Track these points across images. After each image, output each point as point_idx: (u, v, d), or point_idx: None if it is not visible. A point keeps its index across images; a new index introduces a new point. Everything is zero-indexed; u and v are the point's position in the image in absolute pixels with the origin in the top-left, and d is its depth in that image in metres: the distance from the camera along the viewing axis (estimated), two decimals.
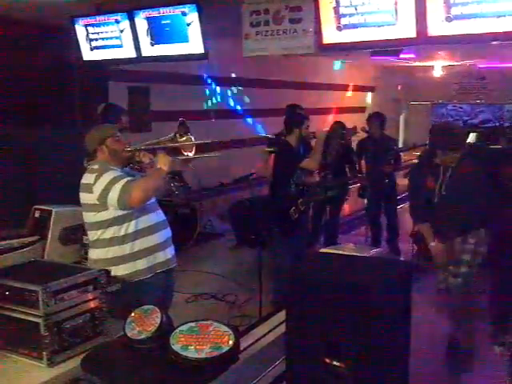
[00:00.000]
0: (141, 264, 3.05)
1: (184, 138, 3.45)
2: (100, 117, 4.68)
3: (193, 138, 3.47)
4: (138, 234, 3.04)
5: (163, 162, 3.09)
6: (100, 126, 3.33)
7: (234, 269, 5.89)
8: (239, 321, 4.46)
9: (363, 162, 6.46)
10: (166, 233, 3.24)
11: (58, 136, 5.93)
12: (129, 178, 2.98)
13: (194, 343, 2.27)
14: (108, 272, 2.67)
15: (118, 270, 2.94)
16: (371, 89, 15.65)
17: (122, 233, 3.01)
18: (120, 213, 2.97)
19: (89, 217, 3.07)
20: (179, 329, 2.36)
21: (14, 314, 2.40)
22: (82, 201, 3.08)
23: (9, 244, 3.88)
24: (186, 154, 3.41)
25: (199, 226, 6.83)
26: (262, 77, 10.37)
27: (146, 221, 3.08)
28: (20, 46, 5.95)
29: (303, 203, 4.76)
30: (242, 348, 2.48)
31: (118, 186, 2.90)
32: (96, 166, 3.05)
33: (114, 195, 2.90)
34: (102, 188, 2.92)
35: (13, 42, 5.89)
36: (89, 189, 2.98)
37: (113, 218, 2.98)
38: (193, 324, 2.39)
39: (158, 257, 3.13)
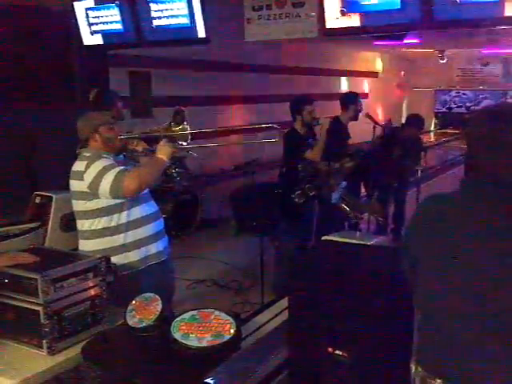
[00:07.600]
0: (133, 256, 2.96)
1: (179, 127, 3.28)
2: (92, 103, 4.30)
3: (188, 128, 3.30)
4: (130, 225, 2.94)
5: (164, 152, 2.95)
6: (92, 113, 3.16)
7: (236, 255, 5.88)
8: (241, 308, 4.45)
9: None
10: (159, 224, 3.13)
11: (59, 121, 5.87)
12: (122, 167, 2.87)
13: (195, 331, 2.25)
14: (108, 259, 2.63)
15: None
16: (374, 74, 15.53)
17: (114, 223, 2.91)
18: (112, 202, 2.87)
19: (79, 205, 2.95)
20: (180, 317, 2.35)
21: (14, 302, 2.37)
22: (71, 188, 2.96)
23: (9, 230, 3.85)
24: (180, 143, 3.21)
25: (200, 213, 6.81)
26: (268, 63, 10.27)
27: (138, 211, 2.97)
28: (20, 30, 5.88)
29: (311, 188, 4.67)
30: (243, 336, 2.46)
31: (110, 174, 2.80)
32: (88, 154, 2.95)
33: (105, 184, 2.80)
34: (93, 176, 2.82)
35: (13, 27, 5.81)
36: (79, 176, 2.87)
37: (104, 207, 2.88)
38: (194, 312, 2.37)
39: (150, 249, 3.03)
